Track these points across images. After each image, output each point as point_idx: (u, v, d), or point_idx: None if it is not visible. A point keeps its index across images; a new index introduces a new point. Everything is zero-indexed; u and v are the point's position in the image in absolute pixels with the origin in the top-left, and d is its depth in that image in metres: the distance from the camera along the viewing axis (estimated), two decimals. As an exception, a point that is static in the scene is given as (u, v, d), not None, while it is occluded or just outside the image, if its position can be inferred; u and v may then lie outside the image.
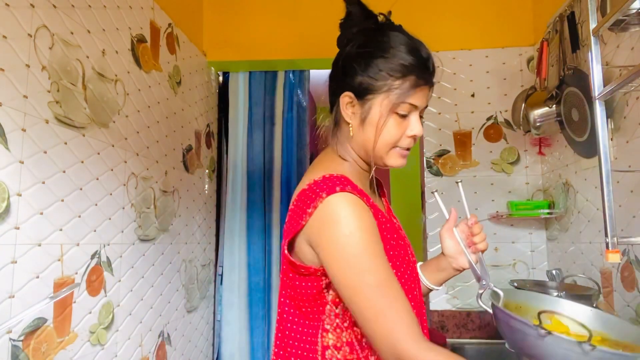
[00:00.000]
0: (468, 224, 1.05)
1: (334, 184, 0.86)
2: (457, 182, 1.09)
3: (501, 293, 0.98)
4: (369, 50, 0.93)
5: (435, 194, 1.07)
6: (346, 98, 0.95)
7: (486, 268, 1.02)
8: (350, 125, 0.96)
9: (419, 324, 0.84)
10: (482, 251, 1.03)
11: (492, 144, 2.24)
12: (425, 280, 1.07)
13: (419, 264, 1.09)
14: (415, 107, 0.92)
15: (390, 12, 0.99)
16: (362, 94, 0.93)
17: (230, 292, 2.37)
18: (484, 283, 1.01)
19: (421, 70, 0.91)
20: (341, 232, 0.83)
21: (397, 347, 0.79)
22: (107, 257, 1.45)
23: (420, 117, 0.95)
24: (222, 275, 2.41)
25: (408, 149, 0.96)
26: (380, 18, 0.98)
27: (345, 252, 0.83)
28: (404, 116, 0.92)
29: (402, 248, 0.97)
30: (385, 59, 0.91)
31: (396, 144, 0.93)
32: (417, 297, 0.99)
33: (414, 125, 0.93)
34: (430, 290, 1.09)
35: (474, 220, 1.05)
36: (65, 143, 1.27)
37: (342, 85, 0.96)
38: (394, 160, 0.95)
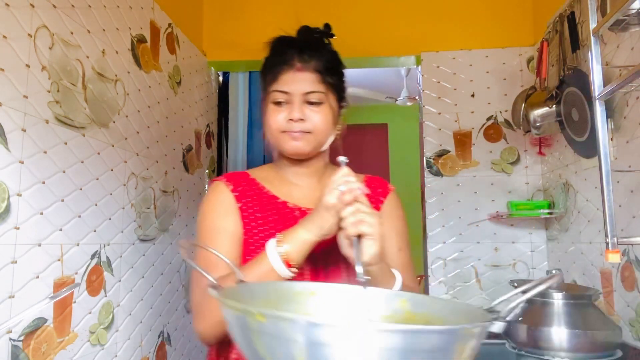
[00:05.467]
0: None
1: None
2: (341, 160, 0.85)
3: None
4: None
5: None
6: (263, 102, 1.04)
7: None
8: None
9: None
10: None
11: (492, 144, 2.23)
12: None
13: None
14: (285, 92, 0.96)
15: (327, 25, 1.07)
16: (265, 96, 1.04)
17: (230, 292, 2.36)
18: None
19: (279, 57, 0.98)
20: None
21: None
22: (107, 257, 1.45)
23: (313, 102, 0.96)
24: (222, 275, 2.41)
25: (298, 132, 0.96)
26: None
27: None
28: (280, 103, 0.97)
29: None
30: (265, 59, 1.03)
31: (280, 129, 0.97)
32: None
33: (289, 110, 0.96)
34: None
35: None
36: (65, 143, 1.27)
37: None
38: (286, 143, 0.98)
